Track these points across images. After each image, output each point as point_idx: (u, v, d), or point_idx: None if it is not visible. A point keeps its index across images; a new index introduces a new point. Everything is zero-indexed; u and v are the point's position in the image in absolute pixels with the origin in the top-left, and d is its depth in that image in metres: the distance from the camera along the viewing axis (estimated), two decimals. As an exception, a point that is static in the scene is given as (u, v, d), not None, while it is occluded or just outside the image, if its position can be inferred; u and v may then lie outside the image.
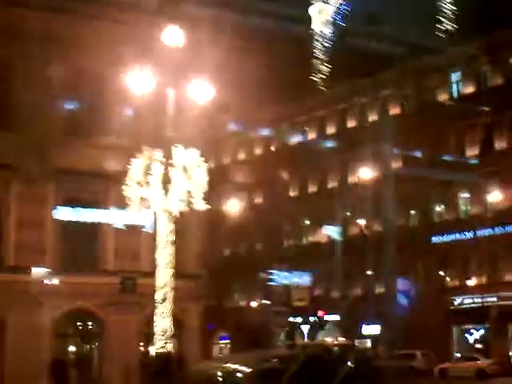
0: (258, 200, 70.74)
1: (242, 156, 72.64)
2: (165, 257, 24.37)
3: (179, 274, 31.94)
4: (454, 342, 55.42)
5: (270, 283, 40.38)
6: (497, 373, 44.15)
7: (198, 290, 31.84)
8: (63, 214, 29.98)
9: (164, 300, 24.32)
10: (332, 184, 64.15)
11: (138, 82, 24.63)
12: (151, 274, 30.47)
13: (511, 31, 52.08)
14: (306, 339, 61.17)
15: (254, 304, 68.28)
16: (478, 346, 53.73)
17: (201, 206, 24.22)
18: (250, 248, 70.74)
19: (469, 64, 54.92)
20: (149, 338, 31.80)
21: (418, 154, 57.92)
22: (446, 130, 55.51)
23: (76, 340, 31.16)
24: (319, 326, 53.04)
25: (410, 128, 57.15)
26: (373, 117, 61.79)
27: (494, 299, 52.00)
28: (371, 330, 59.77)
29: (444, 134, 55.70)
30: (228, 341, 70.11)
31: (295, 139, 67.74)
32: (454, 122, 54.80)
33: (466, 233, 54.09)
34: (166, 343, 24.36)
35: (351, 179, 62.61)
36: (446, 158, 55.61)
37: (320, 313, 40.80)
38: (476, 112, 53.27)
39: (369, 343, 59.62)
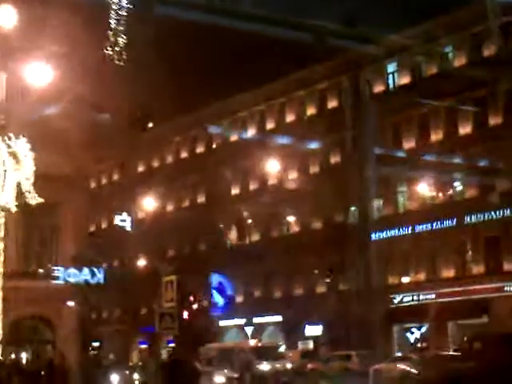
0: (201, 199, 68.77)
1: (184, 155, 70.73)
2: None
3: (50, 275, 30.03)
4: (395, 341, 53.68)
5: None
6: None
7: (73, 291, 29.66)
8: None
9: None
10: (272, 181, 62.18)
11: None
12: (18, 276, 28.61)
13: (445, 18, 50.47)
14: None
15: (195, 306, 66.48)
16: (421, 344, 52.05)
17: (33, 199, 22.26)
18: (193, 247, 68.82)
19: (404, 54, 53.18)
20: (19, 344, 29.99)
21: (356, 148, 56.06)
22: (382, 123, 53.72)
23: None
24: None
25: (347, 121, 55.68)
26: (311, 111, 59.93)
27: (433, 296, 50.38)
28: (314, 330, 58.03)
29: (381, 127, 53.92)
30: (173, 344, 68.14)
31: (236, 136, 65.87)
32: (391, 113, 53.10)
33: (405, 228, 52.39)
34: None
35: (291, 175, 60.80)
36: (383, 151, 53.65)
37: (185, 314, 38.55)
38: (412, 103, 51.48)
39: (311, 344, 57.91)
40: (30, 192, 21.77)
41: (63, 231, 29.89)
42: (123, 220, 31.80)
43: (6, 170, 21.87)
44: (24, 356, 29.83)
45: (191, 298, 41.84)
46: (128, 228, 32.88)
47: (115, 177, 77.80)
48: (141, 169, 74.84)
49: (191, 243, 68.81)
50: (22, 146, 21.60)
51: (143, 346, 72.52)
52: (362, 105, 55.55)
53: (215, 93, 62.52)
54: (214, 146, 67.89)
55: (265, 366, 40.64)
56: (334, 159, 58.05)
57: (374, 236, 54.33)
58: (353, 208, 56.94)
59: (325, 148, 58.01)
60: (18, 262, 29.68)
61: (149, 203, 60.66)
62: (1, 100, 21.01)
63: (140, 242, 60.10)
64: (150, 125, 72.61)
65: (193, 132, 69.22)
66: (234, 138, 66.24)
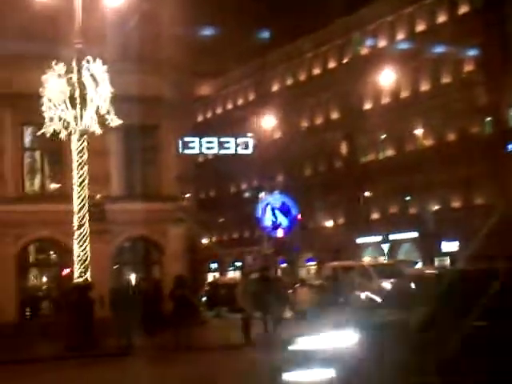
0: (334, 116, 67.38)
1: (316, 71, 69.27)
2: (80, 178, 22.37)
3: (155, 196, 30.09)
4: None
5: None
6: None
7: (177, 212, 29.57)
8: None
9: (81, 226, 22.35)
10: (404, 94, 59.91)
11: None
12: (123, 199, 28.69)
13: None
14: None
15: (330, 223, 66.17)
16: None
17: (114, 121, 21.93)
18: (329, 166, 67.97)
19: None
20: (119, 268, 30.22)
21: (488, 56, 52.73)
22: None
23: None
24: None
25: (479, 27, 52.49)
26: (442, 18, 56.84)
27: None
28: (450, 247, 56.12)
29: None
30: (315, 263, 67.99)
31: (366, 49, 63.75)
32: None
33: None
34: (85, 272, 22.49)
35: (423, 87, 58.35)
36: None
37: (279, 233, 37.22)
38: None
39: (447, 261, 56.12)
40: (109, 113, 21.61)
41: (165, 153, 29.77)
42: (243, 144, 30.97)
43: (86, 93, 21.82)
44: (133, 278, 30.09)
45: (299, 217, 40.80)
46: (249, 151, 32.20)
47: (250, 97, 77.47)
48: (275, 88, 74.00)
49: (326, 162, 68.05)
50: (98, 67, 21.51)
51: (283, 265, 72.85)
52: (495, 8, 52.02)
53: (343, 6, 60.58)
54: (346, 60, 66.01)
55: (386, 284, 39.49)
56: (467, 68, 55.06)
57: (510, 147, 51.40)
58: (488, 118, 54.00)
59: (457, 56, 55.01)
60: (120, 185, 29.70)
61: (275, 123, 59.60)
62: (78, 24, 20.95)
63: (262, 164, 59.36)
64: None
65: (324, 48, 67.55)
66: (364, 51, 64.14)
